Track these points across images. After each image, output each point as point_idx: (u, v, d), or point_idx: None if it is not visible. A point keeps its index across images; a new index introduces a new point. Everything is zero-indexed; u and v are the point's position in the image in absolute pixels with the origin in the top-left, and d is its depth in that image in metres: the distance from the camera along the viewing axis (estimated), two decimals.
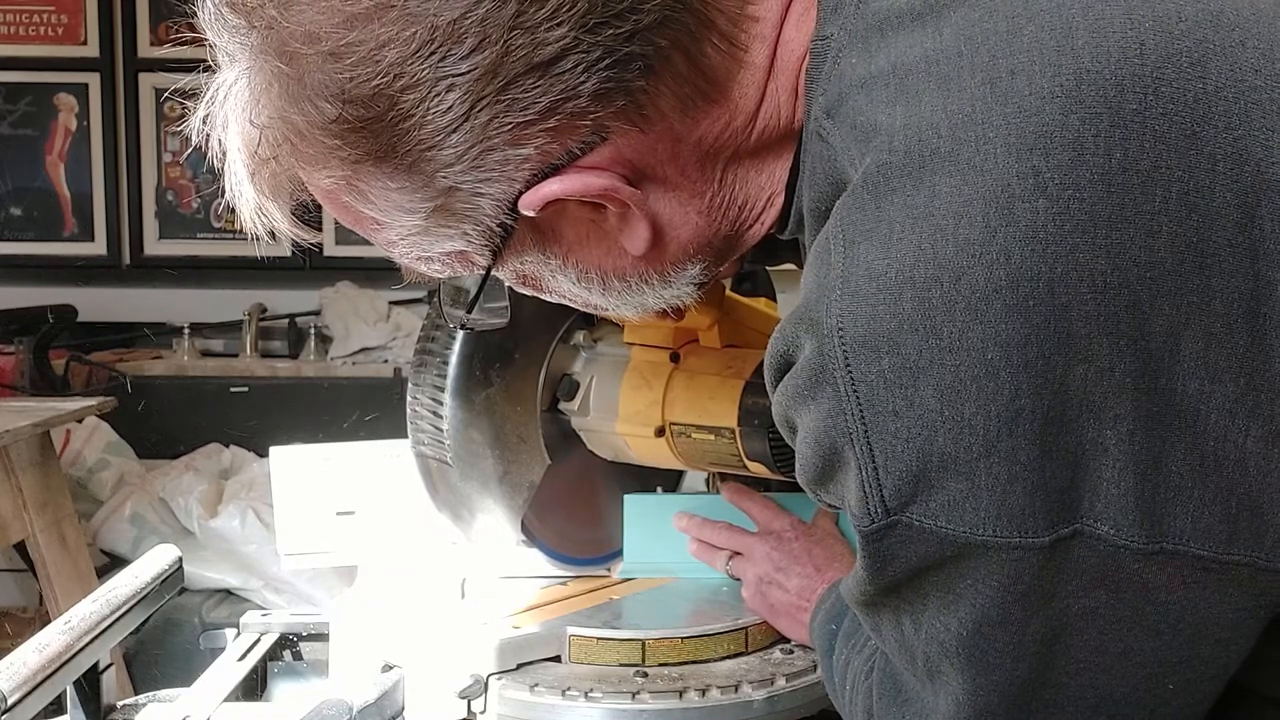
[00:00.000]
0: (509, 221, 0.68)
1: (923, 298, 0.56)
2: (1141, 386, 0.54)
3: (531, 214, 0.67)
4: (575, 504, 1.22)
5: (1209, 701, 0.62)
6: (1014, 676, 0.61)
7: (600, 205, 0.69)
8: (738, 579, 1.15)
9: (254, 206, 0.70)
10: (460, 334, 1.08)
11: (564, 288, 0.75)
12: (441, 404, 1.09)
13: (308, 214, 0.72)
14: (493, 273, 0.73)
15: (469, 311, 0.79)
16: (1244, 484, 0.55)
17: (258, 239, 0.71)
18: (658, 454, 1.13)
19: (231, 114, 0.67)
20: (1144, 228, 0.54)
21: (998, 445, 0.55)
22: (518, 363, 1.13)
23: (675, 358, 1.13)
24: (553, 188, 0.66)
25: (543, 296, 0.79)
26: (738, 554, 1.16)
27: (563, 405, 1.16)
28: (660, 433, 1.11)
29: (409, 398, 1.12)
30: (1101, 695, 0.61)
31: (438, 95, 0.63)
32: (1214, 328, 0.54)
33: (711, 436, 1.08)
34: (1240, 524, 0.56)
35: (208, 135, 0.69)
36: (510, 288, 0.80)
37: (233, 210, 0.70)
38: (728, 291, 1.14)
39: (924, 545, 0.58)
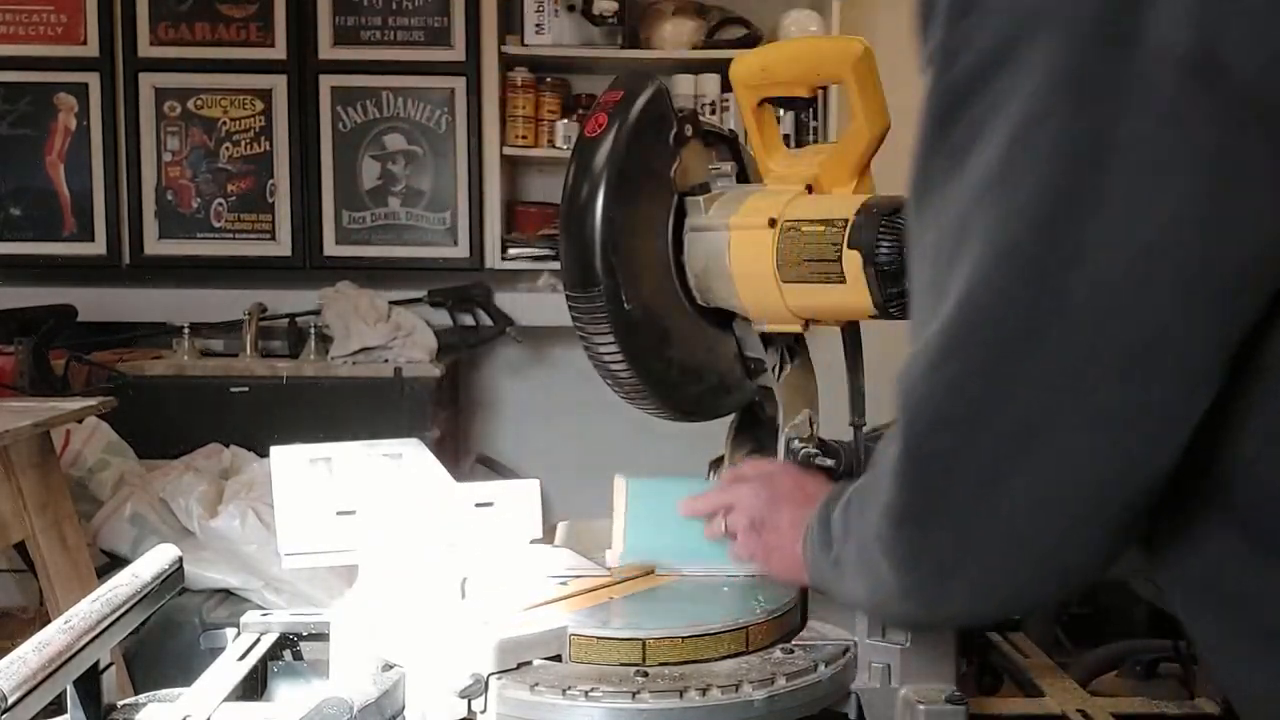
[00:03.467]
0: None
1: None
2: None
3: None
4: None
5: (1225, 296, 0.63)
6: (1043, 197, 0.63)
7: None
8: (734, 536, 1.14)
9: None
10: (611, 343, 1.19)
11: None
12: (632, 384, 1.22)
13: None
14: None
15: None
16: None
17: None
18: (754, 256, 1.16)
19: None
20: None
21: None
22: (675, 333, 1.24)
23: (810, 189, 1.19)
24: None
25: None
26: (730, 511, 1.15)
27: (689, 200, 1.22)
28: (773, 224, 1.14)
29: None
30: (1129, 242, 0.62)
31: None
32: None
33: (821, 228, 1.10)
34: None
35: None
36: None
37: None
38: None
39: (994, 23, 0.64)
